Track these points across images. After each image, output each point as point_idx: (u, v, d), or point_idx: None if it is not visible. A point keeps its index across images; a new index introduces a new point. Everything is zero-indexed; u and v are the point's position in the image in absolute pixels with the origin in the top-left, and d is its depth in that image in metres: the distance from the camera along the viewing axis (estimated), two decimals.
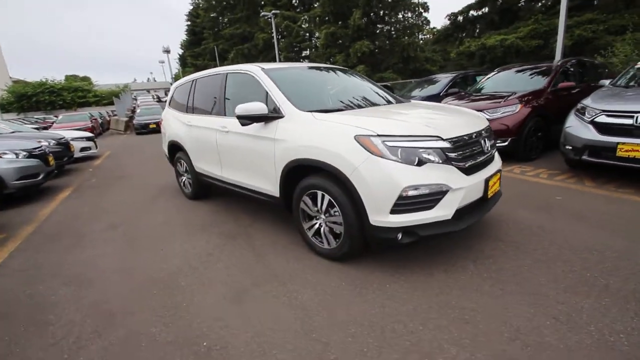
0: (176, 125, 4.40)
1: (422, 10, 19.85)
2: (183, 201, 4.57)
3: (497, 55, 9.97)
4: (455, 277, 2.29)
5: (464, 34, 13.78)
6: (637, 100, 3.66)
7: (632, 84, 4.41)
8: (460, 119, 2.58)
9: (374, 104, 3.12)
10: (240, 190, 3.42)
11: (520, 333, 1.75)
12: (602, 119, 3.80)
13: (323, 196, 2.48)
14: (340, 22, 19.51)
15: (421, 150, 2.15)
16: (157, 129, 15.15)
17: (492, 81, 6.53)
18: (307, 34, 29.04)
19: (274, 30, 22.02)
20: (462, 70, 9.32)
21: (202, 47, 40.61)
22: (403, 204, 2.12)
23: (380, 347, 1.72)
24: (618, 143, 3.60)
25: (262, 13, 22.69)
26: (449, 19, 15.17)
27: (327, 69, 3.68)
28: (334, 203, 2.40)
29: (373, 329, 1.85)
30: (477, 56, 11.96)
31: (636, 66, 4.61)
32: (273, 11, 21.81)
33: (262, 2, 33.58)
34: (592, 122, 3.89)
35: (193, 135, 3.99)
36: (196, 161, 4.08)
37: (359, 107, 2.97)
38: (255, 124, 2.92)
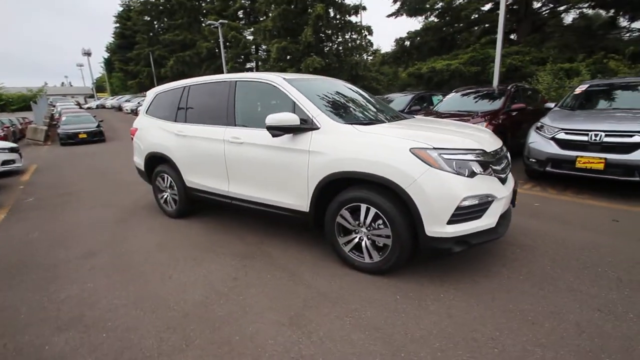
0: (159, 135, 3.94)
1: (367, 33, 21.29)
2: (166, 220, 4.07)
3: (444, 77, 11.18)
4: (497, 281, 2.43)
5: (411, 57, 15.18)
6: (588, 121, 4.39)
7: (575, 105, 5.27)
8: (486, 135, 2.80)
9: (394, 118, 3.21)
10: (252, 206, 3.18)
11: (581, 327, 1.93)
12: (562, 135, 4.46)
13: (368, 209, 2.44)
14: (289, 37, 19.83)
15: (471, 162, 2.28)
16: (89, 140, 13.37)
17: (452, 101, 7.22)
18: (254, 47, 28.80)
19: (221, 39, 21.37)
20: (415, 91, 10.14)
21: (135, 51, 37.37)
22: (459, 214, 2.20)
23: (473, 357, 1.73)
24: (577, 156, 4.25)
25: (208, 22, 21.89)
26: (397, 44, 16.56)
27: (333, 81, 3.69)
28: (381, 216, 2.38)
29: (455, 341, 1.86)
30: (426, 78, 13.26)
31: (575, 92, 5.54)
32: (220, 21, 21.21)
33: (204, 11, 32.49)
34: (553, 139, 4.54)
35: (186, 146, 3.61)
36: (188, 175, 3.69)
37: (384, 120, 3.03)
38: (278, 135, 2.78)
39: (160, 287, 2.54)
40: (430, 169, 2.18)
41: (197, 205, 4.13)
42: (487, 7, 14.15)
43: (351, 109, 3.13)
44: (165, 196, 4.16)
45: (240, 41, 25.47)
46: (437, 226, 2.21)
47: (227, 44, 26.11)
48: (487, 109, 6.28)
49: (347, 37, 20.45)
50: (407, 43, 14.89)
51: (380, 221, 2.42)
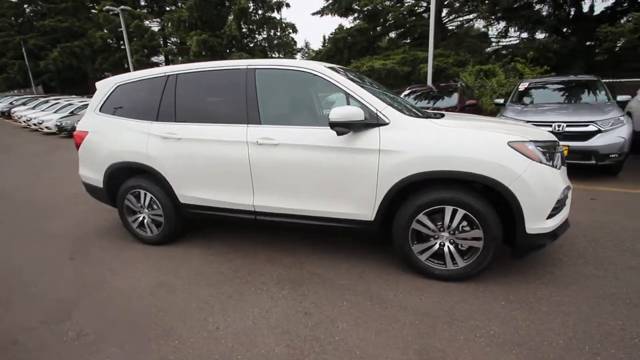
0: (131, 139, 2.98)
1: (291, 31, 21.02)
2: (147, 248, 3.12)
3: (381, 76, 11.73)
4: (572, 270, 2.47)
5: (343, 57, 15.58)
6: (548, 114, 5.00)
7: (522, 101, 5.98)
8: (532, 127, 2.84)
9: (423, 113, 3.02)
10: (289, 221, 2.62)
11: None
12: None
13: (454, 211, 2.20)
14: (207, 30, 18.20)
15: (555, 154, 2.24)
16: None
17: (410, 99, 7.52)
18: (162, 39, 25.69)
19: (123, 28, 18.31)
20: None
21: None
22: (556, 207, 2.14)
23: (629, 355, 1.66)
24: None
25: (106, 7, 18.41)
26: (330, 42, 16.69)
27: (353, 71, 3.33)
28: (470, 217, 2.17)
29: (597, 339, 1.76)
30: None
31: (519, 89, 6.29)
32: (121, 7, 18.14)
33: None
34: None
35: (181, 152, 2.79)
36: (183, 189, 2.87)
37: (429, 115, 2.82)
38: (326, 134, 2.33)
39: (215, 349, 1.84)
40: (532, 163, 2.06)
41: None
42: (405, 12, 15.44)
43: (397, 101, 2.83)
44: (140, 218, 3.19)
45: (147, 31, 22.33)
46: (537, 222, 2.10)
47: (132, 34, 22.66)
48: (446, 105, 6.72)
49: (271, 33, 19.83)
50: (341, 42, 15.20)
51: (465, 223, 2.22)
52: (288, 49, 20.89)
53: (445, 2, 14.59)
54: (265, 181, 2.59)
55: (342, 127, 2.21)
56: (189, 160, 2.80)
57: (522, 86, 6.33)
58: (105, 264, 2.88)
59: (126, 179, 3.14)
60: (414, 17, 15.88)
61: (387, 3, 14.27)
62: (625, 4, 12.07)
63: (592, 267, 2.49)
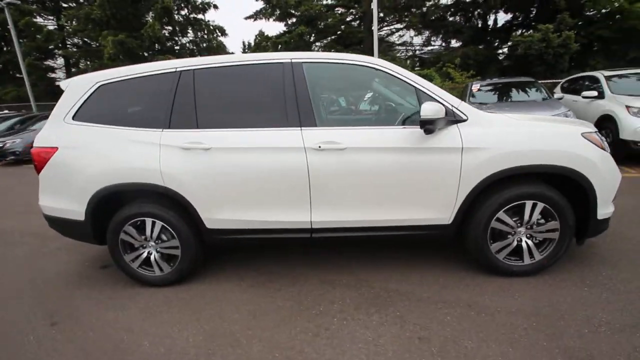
0: (133, 153, 2.30)
1: (219, 34, 19.87)
2: (157, 293, 2.44)
3: None
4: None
5: None
6: (509, 111, 5.55)
7: (477, 100, 6.56)
8: None
9: None
10: (353, 235, 2.32)
11: None
12: None
13: (534, 205, 2.20)
14: (121, 29, 16.02)
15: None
16: None
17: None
18: (60, 39, 21.81)
19: (11, 26, 14.93)
20: None
21: None
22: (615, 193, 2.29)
23: None
24: None
25: None
26: (272, 46, 16.17)
27: None
28: (550, 209, 2.19)
29: None
30: None
31: (473, 90, 6.90)
32: (7, 0, 14.74)
33: None
34: None
35: (213, 165, 2.24)
36: (214, 210, 2.32)
37: None
38: (401, 134, 2.14)
39: None
40: (603, 152, 2.17)
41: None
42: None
43: None
44: (144, 255, 2.48)
45: (41, 31, 18.61)
46: (606, 207, 2.23)
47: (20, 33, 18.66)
48: None
49: (198, 36, 18.48)
50: (281, 46, 14.90)
51: (539, 216, 2.24)
52: (217, 53, 19.70)
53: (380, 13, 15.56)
54: (327, 192, 2.24)
55: (432, 125, 2.02)
56: (221, 175, 2.27)
57: (475, 87, 6.98)
58: (111, 323, 2.15)
59: (122, 206, 2.42)
60: (344, 25, 16.49)
61: (322, 9, 14.54)
62: (520, 19, 14.48)
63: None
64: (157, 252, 2.49)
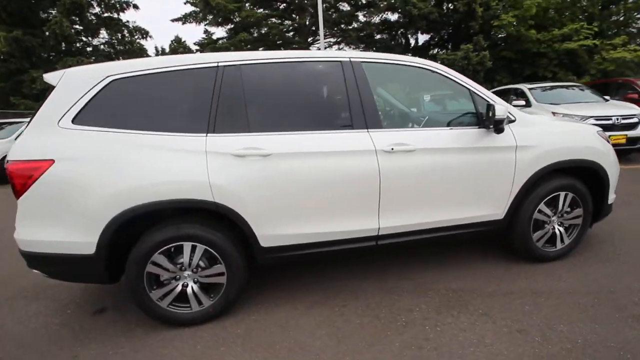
0: (172, 163, 1.86)
1: (142, 36, 17.83)
2: (200, 333, 2.00)
3: None
4: None
5: None
6: None
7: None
8: None
9: None
10: (417, 238, 2.27)
11: None
12: None
13: (566, 196, 2.47)
14: (16, 25, 13.19)
15: None
16: None
17: None
18: None
19: None
20: None
21: None
22: None
23: None
24: None
25: None
26: (201, 50, 14.99)
27: None
28: (577, 198, 2.49)
29: None
30: None
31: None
32: None
33: None
34: None
35: (274, 173, 1.95)
36: (271, 226, 2.01)
37: None
38: (465, 134, 2.22)
39: None
40: (610, 146, 2.56)
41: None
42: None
43: None
44: (178, 288, 2.01)
45: None
46: (612, 194, 2.62)
47: None
48: None
49: (118, 37, 16.34)
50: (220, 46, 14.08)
51: (567, 205, 2.52)
52: (138, 56, 17.67)
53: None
54: (396, 196, 2.14)
55: (502, 125, 2.12)
56: (283, 184, 1.99)
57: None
58: None
59: (148, 230, 1.93)
60: (281, 35, 16.54)
61: (262, 17, 14.31)
62: (436, 39, 16.50)
63: None
64: (195, 282, 2.04)
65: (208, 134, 1.94)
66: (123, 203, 1.82)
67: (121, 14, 16.33)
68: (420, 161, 2.14)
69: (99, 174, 1.82)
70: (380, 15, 16.49)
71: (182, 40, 31.63)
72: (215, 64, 2.01)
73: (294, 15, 17.47)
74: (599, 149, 2.48)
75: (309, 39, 17.54)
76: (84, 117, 1.87)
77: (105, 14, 16.12)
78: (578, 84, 8.07)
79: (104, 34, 16.40)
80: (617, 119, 5.45)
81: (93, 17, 15.65)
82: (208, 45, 14.95)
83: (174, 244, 1.94)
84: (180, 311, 2.05)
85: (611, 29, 12.88)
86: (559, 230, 2.56)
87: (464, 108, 2.34)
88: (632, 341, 1.74)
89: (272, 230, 2.03)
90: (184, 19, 15.61)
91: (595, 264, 2.53)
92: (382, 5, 14.81)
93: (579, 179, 2.50)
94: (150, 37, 17.38)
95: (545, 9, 12.12)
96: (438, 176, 2.20)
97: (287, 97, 2.14)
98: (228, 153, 1.92)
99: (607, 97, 6.54)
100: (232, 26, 14.45)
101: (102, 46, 15.92)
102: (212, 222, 2.00)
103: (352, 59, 2.17)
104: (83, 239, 1.84)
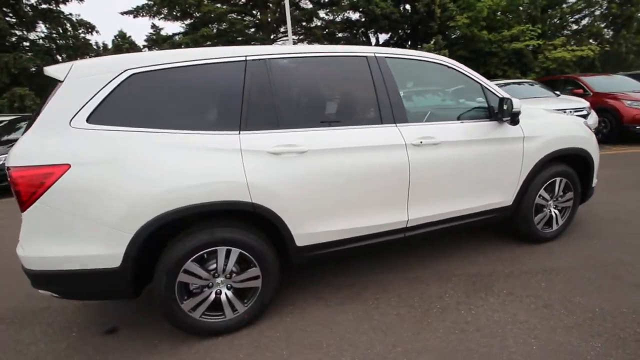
0: (206, 163, 1.74)
1: (87, 30, 16.21)
2: (240, 338, 1.91)
3: None
4: None
5: None
6: None
7: None
8: None
9: None
10: (437, 228, 2.35)
11: None
12: None
13: (560, 181, 2.72)
14: None
15: None
16: None
17: None
18: None
19: None
20: None
21: None
22: None
23: None
24: None
25: None
26: (171, 47, 13.94)
27: None
28: (569, 183, 2.75)
29: None
30: None
31: None
32: None
33: None
34: None
35: (309, 170, 1.90)
36: (307, 224, 1.97)
37: None
38: (481, 127, 2.35)
39: None
40: (593, 135, 2.85)
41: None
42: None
43: None
44: (211, 296, 1.89)
45: None
46: (595, 178, 2.93)
47: None
48: None
49: (59, 30, 14.72)
50: (183, 46, 13.22)
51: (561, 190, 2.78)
52: (83, 52, 16.12)
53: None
54: (423, 188, 2.21)
55: (518, 117, 2.26)
56: (319, 181, 1.95)
57: None
58: None
59: (174, 237, 1.78)
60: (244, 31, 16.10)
61: (224, 12, 13.75)
62: (395, 38, 17.11)
63: None
64: (229, 288, 1.94)
65: (241, 132, 1.84)
66: (155, 209, 1.66)
67: (62, 5, 14.73)
68: (444, 153, 2.23)
69: (126, 178, 1.64)
70: (342, 14, 16.74)
71: (128, 35, 29.30)
72: (244, 58, 1.90)
73: (254, 12, 17.11)
74: (587, 138, 2.76)
75: (272, 36, 17.28)
76: (100, 116, 1.68)
77: (44, 6, 14.44)
78: (529, 80, 8.86)
79: (42, 27, 14.68)
80: (571, 112, 6.09)
81: (29, 9, 13.95)
82: (165, 41, 14.07)
83: (207, 250, 1.82)
84: (213, 320, 1.93)
85: (551, 31, 14.35)
86: (554, 213, 2.81)
87: (476, 102, 2.47)
88: None
89: (308, 229, 1.99)
90: (136, 12, 14.50)
91: (584, 241, 2.82)
92: (345, 3, 15.00)
93: (570, 165, 2.77)
94: (97, 32, 15.90)
95: (494, 12, 13.14)
96: (459, 167, 2.30)
97: (316, 92, 2.10)
98: (264, 151, 1.84)
99: (557, 92, 7.26)
100: (191, 21, 13.70)
101: (41, 40, 14.23)
102: (243, 223, 1.91)
103: (376, 54, 2.18)
104: (106, 252, 1.66)
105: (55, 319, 2.28)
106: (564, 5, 14.17)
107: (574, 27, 14.99)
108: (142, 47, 23.95)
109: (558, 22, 14.61)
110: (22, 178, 1.56)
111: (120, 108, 1.71)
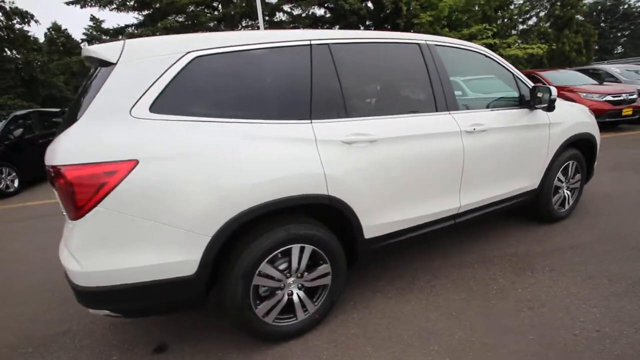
0: (284, 155, 1.62)
1: (22, 20, 14.18)
2: (316, 338, 1.81)
3: None
4: None
5: None
6: None
7: None
8: None
9: None
10: (479, 214, 2.43)
11: None
12: None
13: (573, 164, 2.95)
14: None
15: None
16: None
17: None
18: None
19: None
20: None
21: None
22: None
23: None
24: None
25: None
26: (90, 41, 12.55)
27: None
28: (578, 166, 2.99)
29: None
30: None
31: None
32: None
33: None
34: None
35: (378, 159, 1.85)
36: (376, 215, 1.91)
37: None
38: (518, 114, 2.47)
39: None
40: (596, 122, 3.12)
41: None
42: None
43: None
44: (284, 298, 1.77)
45: None
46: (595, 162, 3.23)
47: None
48: None
49: None
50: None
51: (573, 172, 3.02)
52: (20, 45, 14.14)
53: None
54: (473, 174, 2.26)
55: (554, 104, 2.39)
56: (387, 170, 1.91)
57: None
58: None
59: (250, 233, 1.63)
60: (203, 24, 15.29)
61: (184, 3, 12.87)
62: None
63: None
64: (300, 288, 1.83)
65: (312, 120, 1.73)
66: (235, 207, 1.51)
67: None
68: (490, 140, 2.30)
69: (201, 174, 1.46)
70: (307, 10, 16.62)
71: (63, 28, 26.21)
72: (308, 42, 1.79)
73: (215, 4, 16.34)
74: (593, 124, 3.03)
75: (236, 30, 16.64)
76: (164, 104, 1.47)
77: None
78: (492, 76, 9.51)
79: None
80: None
81: None
82: (116, 34, 12.87)
83: (282, 249, 1.69)
84: (286, 323, 1.81)
85: (503, 30, 15.57)
86: (567, 194, 3.05)
87: (509, 91, 2.58)
88: None
89: (375, 220, 1.94)
90: (84, 1, 13.07)
91: (592, 219, 3.09)
92: None
93: (578, 149, 3.01)
94: (37, 21, 14.05)
95: (454, 11, 13.89)
96: (502, 153, 2.39)
97: (377, 78, 2.06)
98: (337, 140, 1.75)
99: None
100: (148, 12, 12.68)
101: None
102: (309, 218, 1.80)
103: (427, 42, 2.18)
104: (181, 258, 1.47)
105: (83, 343, 1.99)
106: (512, 7, 15.43)
107: (522, 27, 16.41)
108: (79, 41, 21.67)
109: (508, 22, 15.92)
110: (79, 178, 1.32)
111: (185, 95, 1.52)
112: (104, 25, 17.69)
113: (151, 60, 1.48)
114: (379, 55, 2.04)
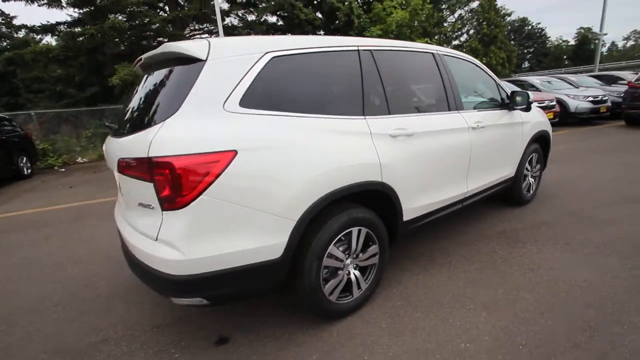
0: (349, 146, 1.82)
1: None
2: (371, 314, 2.02)
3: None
4: None
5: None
6: None
7: None
8: None
9: None
10: (478, 199, 2.86)
11: None
12: None
13: (537, 155, 3.59)
14: None
15: None
16: None
17: None
18: None
19: None
20: None
21: None
22: None
23: None
24: None
25: None
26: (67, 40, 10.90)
27: None
28: (540, 156, 3.66)
29: None
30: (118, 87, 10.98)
31: None
32: None
33: None
34: None
35: (415, 151, 2.14)
36: (413, 200, 2.20)
37: None
38: (503, 114, 2.99)
39: None
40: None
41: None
42: None
43: None
44: (345, 279, 1.95)
45: None
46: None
47: None
48: None
49: None
50: (86, 43, 10.76)
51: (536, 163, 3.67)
52: None
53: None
54: (476, 163, 2.68)
55: (531, 105, 2.93)
56: (421, 160, 2.21)
57: None
58: None
59: (322, 217, 1.79)
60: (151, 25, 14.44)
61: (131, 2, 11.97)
62: None
63: None
64: (355, 268, 2.02)
65: (366, 117, 1.96)
66: (316, 192, 1.66)
67: None
68: (487, 135, 2.76)
69: (288, 164, 1.60)
70: (261, 17, 16.65)
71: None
72: (356, 48, 2.02)
73: (161, 5, 15.53)
74: (548, 123, 3.73)
75: (185, 32, 15.96)
76: (251, 99, 1.58)
77: None
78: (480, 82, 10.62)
79: None
80: None
81: None
82: (43, 32, 11.52)
83: (346, 231, 1.88)
84: (345, 301, 1.99)
85: (441, 45, 17.38)
86: (531, 180, 3.69)
87: (492, 94, 3.08)
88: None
89: (412, 204, 2.22)
90: None
91: (551, 201, 3.78)
92: (266, 5, 14.97)
93: (539, 144, 3.68)
94: None
95: (401, 26, 15.13)
96: (495, 145, 2.87)
97: (407, 82, 2.34)
98: (386, 134, 2.00)
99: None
100: (89, 9, 11.55)
101: None
102: (375, 202, 2.03)
103: (438, 52, 2.55)
104: (272, 242, 1.58)
105: (132, 348, 1.92)
106: (445, 24, 17.38)
107: (455, 42, 18.51)
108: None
109: (444, 37, 17.88)
110: (188, 168, 1.37)
111: (265, 92, 1.64)
112: (24, 22, 15.57)
113: (238, 58, 1.58)
114: (406, 61, 2.36)
